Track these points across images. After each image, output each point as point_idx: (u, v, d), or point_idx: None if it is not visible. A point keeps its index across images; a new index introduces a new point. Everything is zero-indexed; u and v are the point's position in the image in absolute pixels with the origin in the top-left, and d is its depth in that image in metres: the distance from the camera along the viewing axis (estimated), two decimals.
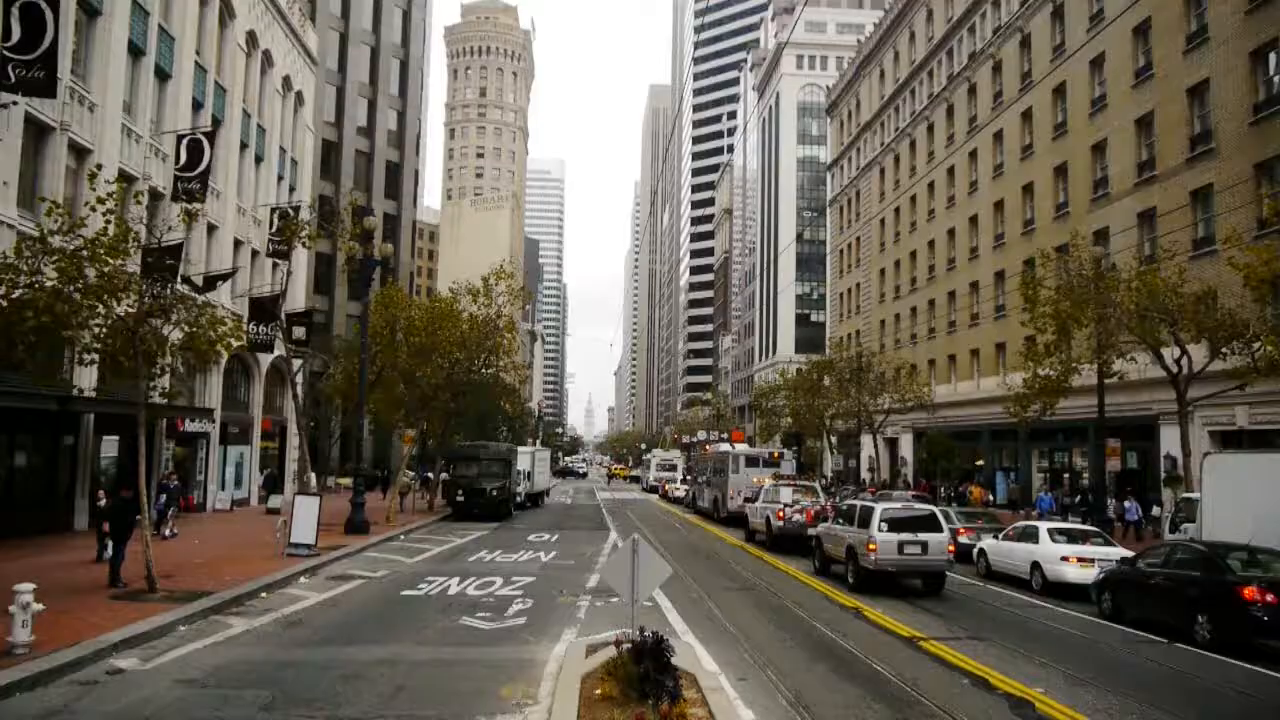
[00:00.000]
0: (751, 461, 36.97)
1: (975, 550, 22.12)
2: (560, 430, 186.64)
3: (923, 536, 18.20)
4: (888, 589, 18.23)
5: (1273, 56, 27.46)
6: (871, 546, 18.01)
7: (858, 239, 66.12)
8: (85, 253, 13.72)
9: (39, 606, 10.59)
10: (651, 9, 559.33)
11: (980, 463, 45.36)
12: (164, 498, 23.80)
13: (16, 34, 14.91)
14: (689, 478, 51.67)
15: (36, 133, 22.19)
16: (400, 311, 34.19)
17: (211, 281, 23.18)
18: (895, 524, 18.34)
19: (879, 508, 19.10)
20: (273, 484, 36.20)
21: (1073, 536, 19.64)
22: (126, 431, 24.81)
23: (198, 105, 31.15)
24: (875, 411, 45.33)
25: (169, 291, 15.61)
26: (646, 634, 9.14)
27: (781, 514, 25.39)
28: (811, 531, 22.90)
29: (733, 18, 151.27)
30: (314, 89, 46.84)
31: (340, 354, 42.07)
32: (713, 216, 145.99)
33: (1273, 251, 20.76)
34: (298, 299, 38.75)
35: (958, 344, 48.13)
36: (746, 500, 30.85)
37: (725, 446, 45.12)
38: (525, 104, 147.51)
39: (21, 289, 13.53)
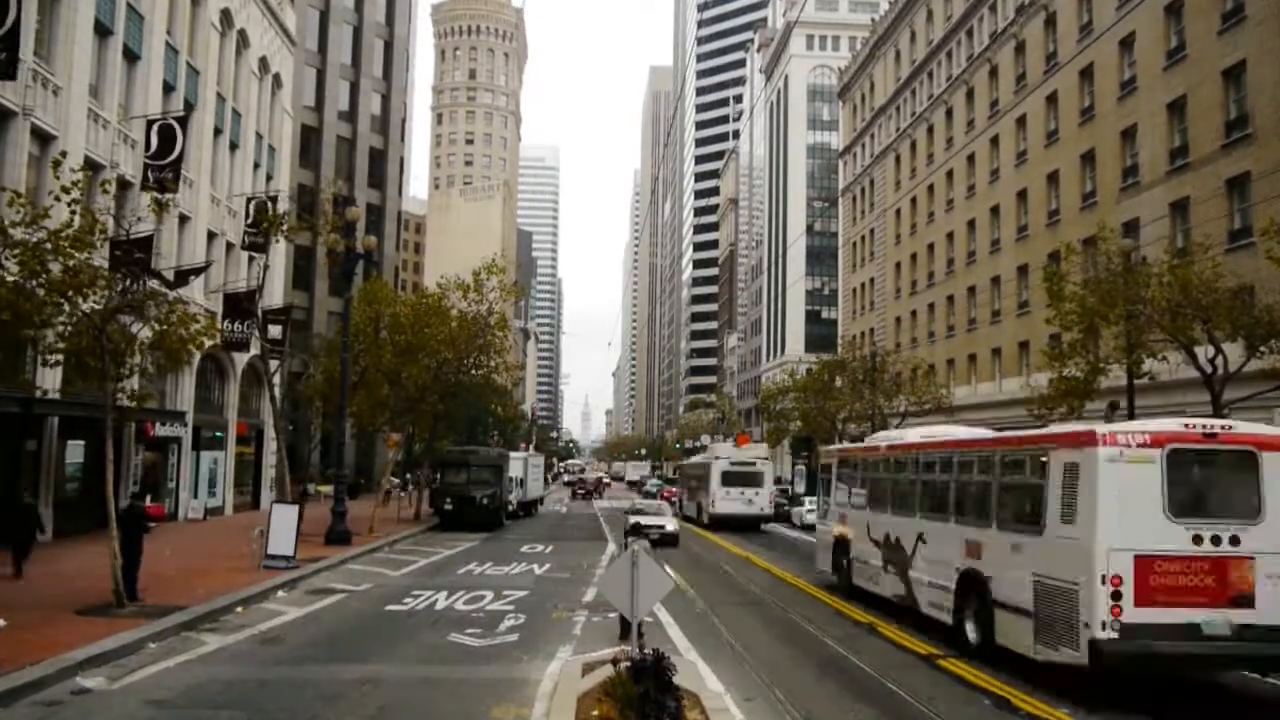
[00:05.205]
0: (733, 469, 40.16)
1: None
2: (555, 435, 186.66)
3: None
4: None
5: None
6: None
7: (871, 231, 66.11)
8: (49, 246, 13.73)
9: (0, 623, 10.59)
10: None
11: None
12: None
13: None
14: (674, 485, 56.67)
15: None
16: (385, 308, 34.21)
17: (183, 276, 23.25)
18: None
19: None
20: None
21: None
22: (93, 436, 24.80)
23: (169, 88, 31.12)
24: (890, 414, 45.30)
25: (138, 287, 15.63)
26: (646, 651, 9.14)
27: None
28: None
29: None
30: (293, 71, 46.83)
31: (320, 353, 42.02)
32: (717, 207, 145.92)
33: None
34: (275, 295, 38.74)
35: (978, 342, 48.12)
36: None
37: (701, 457, 47.14)
38: (517, 87, 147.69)
39: None
